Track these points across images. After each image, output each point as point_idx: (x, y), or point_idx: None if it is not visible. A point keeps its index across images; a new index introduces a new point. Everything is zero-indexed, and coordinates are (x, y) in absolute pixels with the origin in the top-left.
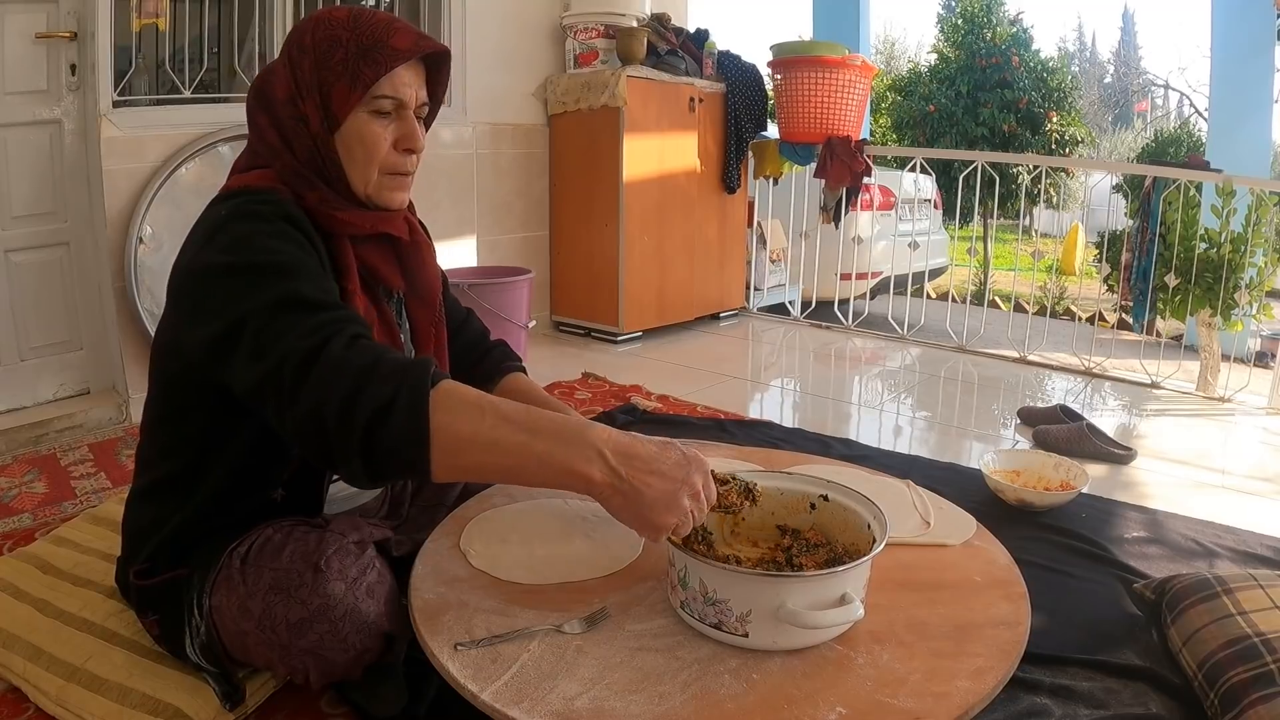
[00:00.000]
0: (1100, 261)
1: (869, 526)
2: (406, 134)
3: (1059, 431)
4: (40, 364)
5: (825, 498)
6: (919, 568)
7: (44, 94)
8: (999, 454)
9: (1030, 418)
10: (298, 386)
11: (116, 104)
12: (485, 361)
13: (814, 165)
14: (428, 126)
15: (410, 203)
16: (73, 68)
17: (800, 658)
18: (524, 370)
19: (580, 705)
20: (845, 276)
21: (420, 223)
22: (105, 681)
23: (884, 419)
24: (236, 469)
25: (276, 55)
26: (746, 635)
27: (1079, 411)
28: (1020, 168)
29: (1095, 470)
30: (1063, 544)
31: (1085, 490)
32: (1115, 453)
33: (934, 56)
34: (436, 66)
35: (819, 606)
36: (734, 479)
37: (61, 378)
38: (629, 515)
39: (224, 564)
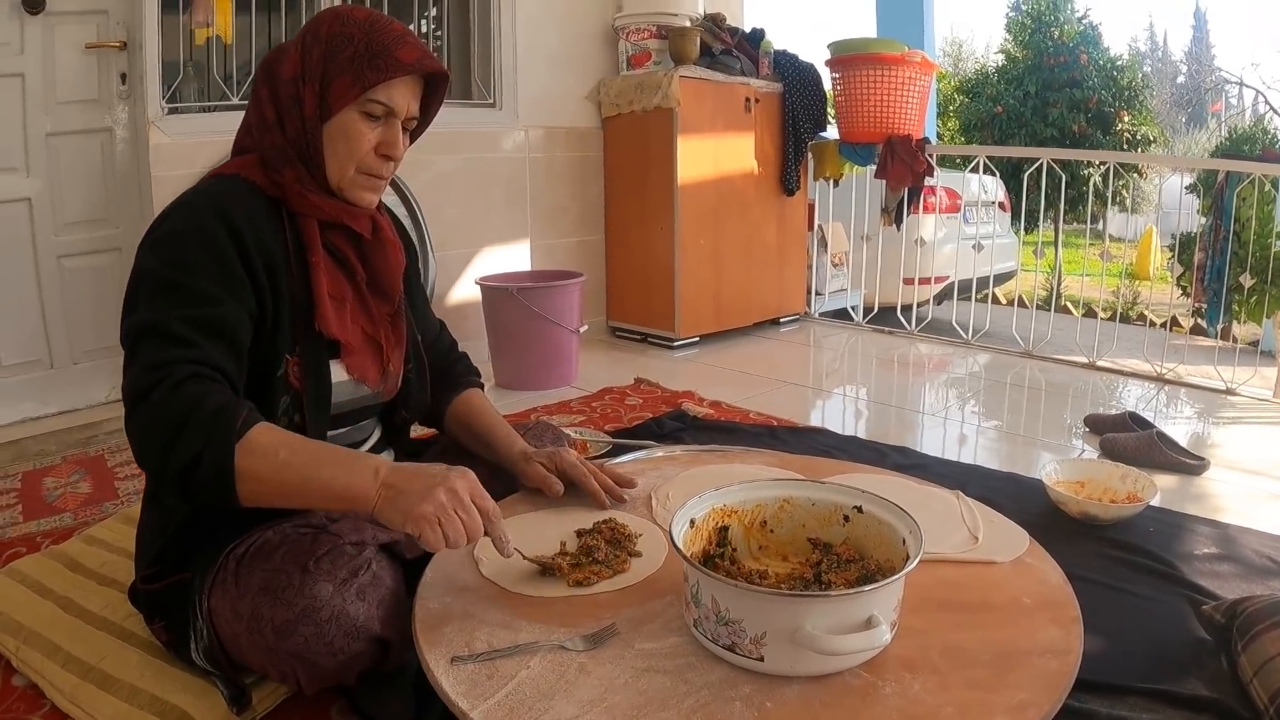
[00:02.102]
0: (1173, 263)
1: (904, 541)
2: (390, 141)
3: (1127, 440)
4: (92, 367)
5: (859, 509)
6: (963, 586)
7: (95, 102)
8: (1062, 464)
9: (1098, 425)
10: (128, 419)
11: (166, 111)
12: (448, 374)
13: (875, 166)
14: (413, 140)
15: (382, 203)
16: (123, 76)
17: (821, 685)
18: (481, 386)
19: None
20: (909, 281)
21: (394, 224)
22: (117, 681)
23: (947, 427)
24: None
25: None
26: (762, 659)
27: (1149, 419)
28: (1090, 169)
29: (1165, 481)
30: (1126, 560)
31: (1154, 502)
32: (1186, 463)
33: (1001, 57)
34: (434, 86)
35: (843, 629)
36: (606, 526)
37: (113, 381)
38: (395, 515)
39: (221, 565)
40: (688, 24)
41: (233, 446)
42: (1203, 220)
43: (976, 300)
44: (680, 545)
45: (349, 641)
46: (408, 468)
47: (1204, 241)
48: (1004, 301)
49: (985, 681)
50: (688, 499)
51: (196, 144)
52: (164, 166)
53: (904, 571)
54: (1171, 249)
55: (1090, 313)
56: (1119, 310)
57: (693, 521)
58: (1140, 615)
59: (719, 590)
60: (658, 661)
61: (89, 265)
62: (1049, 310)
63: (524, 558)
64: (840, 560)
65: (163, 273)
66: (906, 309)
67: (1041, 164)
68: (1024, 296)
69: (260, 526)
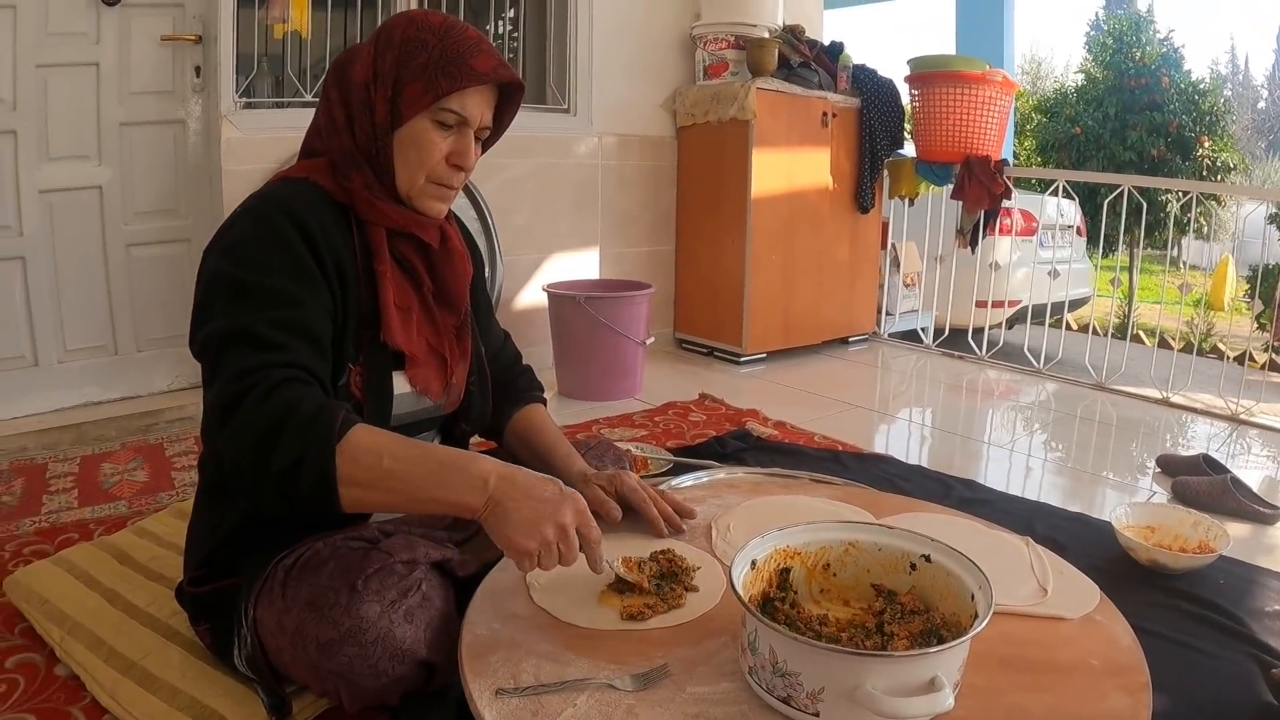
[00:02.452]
0: (1251, 298)
1: (973, 597)
2: (461, 150)
3: (1200, 484)
4: (157, 355)
5: (927, 559)
6: (1029, 643)
7: (169, 94)
8: (1132, 507)
9: (1170, 467)
10: (220, 428)
11: (239, 106)
12: (511, 388)
13: (951, 186)
14: (485, 149)
15: (451, 212)
16: (197, 70)
17: None
18: (544, 401)
19: None
20: (981, 304)
21: (462, 232)
22: (158, 680)
23: (1013, 460)
24: None
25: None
26: (817, 715)
27: (1223, 463)
28: (1169, 195)
29: (1237, 530)
30: (1194, 613)
31: (1225, 552)
32: (1261, 511)
33: (1080, 77)
34: (509, 96)
35: (904, 690)
36: (663, 557)
37: (177, 370)
38: (498, 534)
39: (269, 575)
40: (766, 35)
41: (333, 450)
42: None
43: (1050, 326)
44: (740, 588)
45: (394, 664)
46: (520, 483)
47: None
48: (1075, 327)
49: None
50: (749, 534)
51: (269, 139)
52: (235, 161)
53: (972, 633)
54: (1249, 280)
55: (1164, 343)
56: (1194, 343)
57: (754, 563)
58: (1206, 674)
59: (778, 641)
60: (708, 709)
61: (157, 255)
62: (1123, 339)
63: (611, 568)
64: (904, 610)
65: (240, 276)
66: (978, 332)
67: (1122, 190)
68: (1097, 324)
69: (312, 537)
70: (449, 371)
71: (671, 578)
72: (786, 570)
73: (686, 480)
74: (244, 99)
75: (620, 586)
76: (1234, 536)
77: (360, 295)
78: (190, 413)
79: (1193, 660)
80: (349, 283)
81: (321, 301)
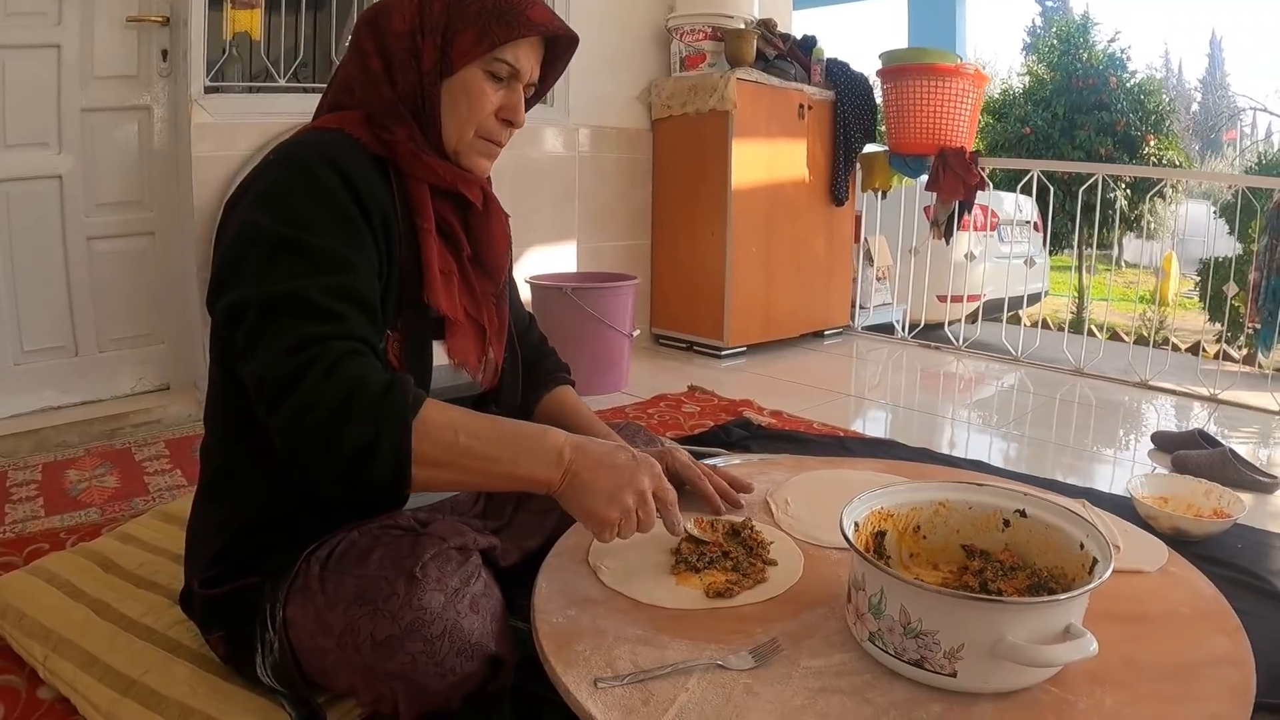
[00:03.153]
0: (1203, 295)
1: (1082, 545)
2: (513, 105)
3: (1200, 457)
4: (119, 356)
5: (1022, 513)
6: (1119, 597)
7: (134, 79)
8: (1144, 479)
9: (1166, 443)
10: (275, 408)
11: (208, 90)
12: (539, 369)
13: (925, 178)
14: (527, 109)
15: (489, 177)
16: (164, 53)
17: (1013, 702)
18: (573, 383)
19: None
20: (942, 299)
21: (496, 199)
22: (165, 699)
23: (1009, 441)
24: None
25: None
26: (955, 674)
27: (1216, 437)
28: (1117, 193)
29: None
30: (1225, 577)
31: (1238, 519)
32: (1261, 480)
33: (1026, 79)
34: (555, 53)
35: (1042, 639)
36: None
37: (141, 371)
38: (576, 507)
39: (300, 570)
40: (743, 26)
41: (410, 429)
42: (1237, 246)
43: (1009, 320)
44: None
45: (462, 660)
46: (593, 452)
47: (1259, 261)
48: (1028, 324)
49: (1173, 694)
50: (809, 507)
51: (241, 125)
52: (206, 146)
53: (1105, 575)
54: (1199, 274)
55: (1116, 336)
56: (1150, 337)
57: (856, 525)
58: (1251, 632)
59: (912, 598)
60: (830, 680)
61: (121, 249)
62: (1079, 334)
63: (688, 532)
64: (1004, 567)
65: (281, 231)
66: (953, 324)
67: (1097, 179)
68: (1050, 320)
69: (342, 527)
70: (487, 343)
71: (750, 552)
72: (882, 534)
73: (721, 461)
74: (214, 84)
75: (691, 565)
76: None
77: (403, 254)
78: (158, 416)
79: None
80: (393, 238)
81: (370, 262)
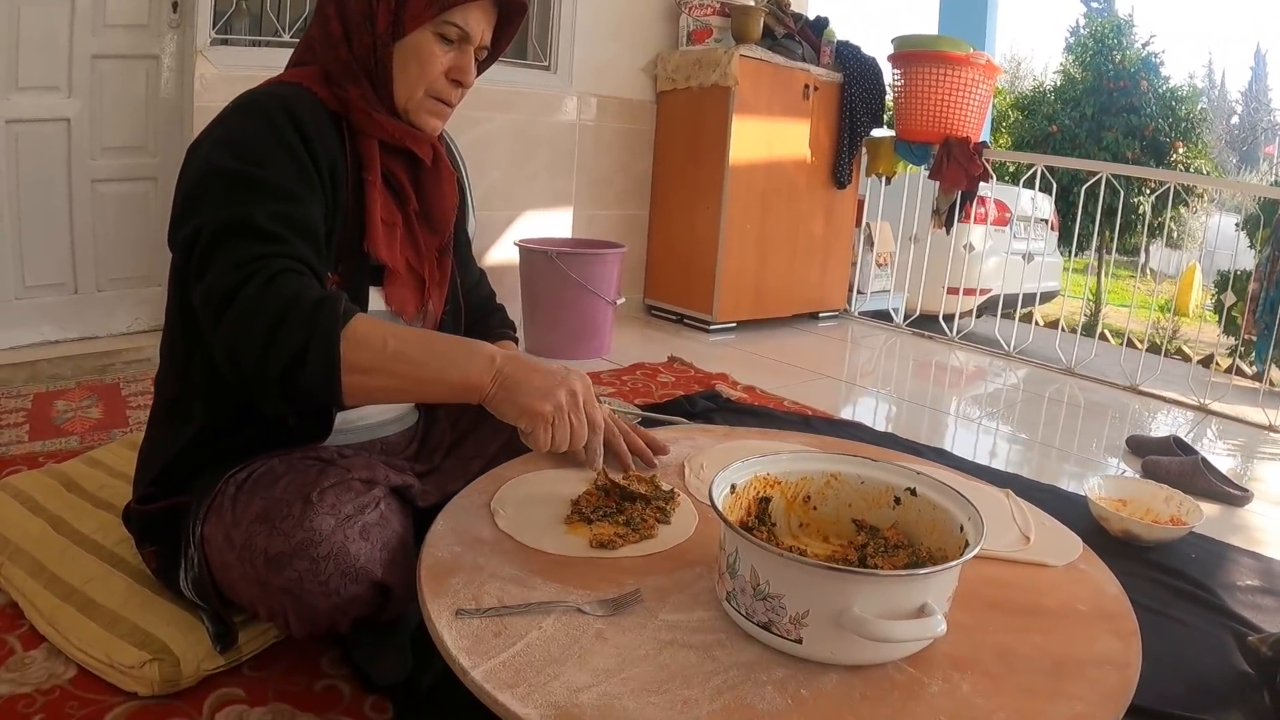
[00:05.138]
0: (1217, 305)
1: (961, 528)
2: (462, 66)
3: (1171, 464)
4: (117, 296)
5: (913, 492)
6: (1014, 587)
7: (144, 28)
8: (1106, 480)
9: (1140, 447)
10: (216, 322)
11: (214, 42)
12: (483, 324)
13: (929, 166)
14: (479, 72)
15: (444, 133)
16: (174, 4)
17: (861, 676)
18: (516, 340)
19: (586, 700)
20: (953, 291)
21: (453, 154)
22: (99, 607)
23: (982, 435)
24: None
25: None
26: (800, 641)
27: (1192, 446)
28: (1141, 196)
29: (1207, 509)
30: (1169, 585)
31: (1197, 529)
32: (1231, 493)
33: (1059, 77)
34: (508, 18)
35: (893, 615)
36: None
37: (137, 312)
38: (509, 407)
39: (220, 490)
40: (752, 3)
41: (338, 337)
42: (1256, 254)
43: (1019, 318)
44: (721, 508)
45: (346, 583)
46: (524, 360)
47: (1260, 272)
48: (1042, 323)
49: (1041, 689)
50: (728, 465)
51: (244, 77)
52: (209, 97)
53: (965, 557)
54: (1217, 286)
55: (1130, 343)
56: (1161, 345)
57: (734, 487)
58: (1182, 642)
59: (761, 560)
60: (683, 635)
61: (123, 192)
62: (1091, 337)
63: (607, 475)
64: (888, 544)
65: (237, 168)
66: (948, 318)
67: (1100, 180)
68: (1065, 322)
69: (267, 454)
70: (426, 294)
71: (644, 500)
72: (766, 500)
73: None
74: (220, 37)
75: (585, 516)
76: (1205, 515)
77: (348, 203)
78: (149, 355)
79: (1170, 629)
80: (339, 187)
81: (319, 202)
